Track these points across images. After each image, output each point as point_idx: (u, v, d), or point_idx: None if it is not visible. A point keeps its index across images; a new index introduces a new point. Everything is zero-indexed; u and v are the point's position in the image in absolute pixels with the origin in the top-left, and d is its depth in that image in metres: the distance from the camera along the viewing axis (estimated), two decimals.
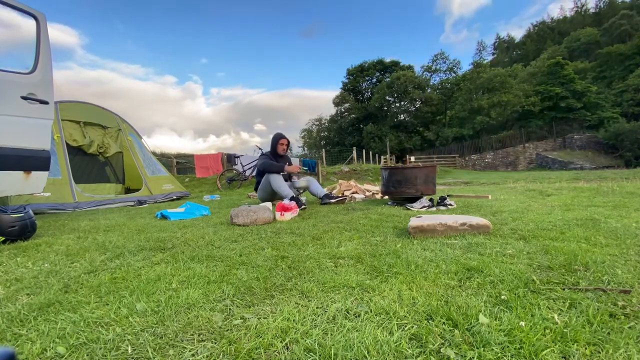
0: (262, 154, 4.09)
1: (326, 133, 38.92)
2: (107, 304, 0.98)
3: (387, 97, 33.03)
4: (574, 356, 0.66)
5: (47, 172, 2.60)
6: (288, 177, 3.80)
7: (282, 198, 3.23)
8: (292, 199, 3.12)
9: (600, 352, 0.67)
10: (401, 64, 35.66)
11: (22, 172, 2.39)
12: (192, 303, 0.96)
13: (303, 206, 3.11)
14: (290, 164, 3.95)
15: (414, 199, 3.00)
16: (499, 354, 0.66)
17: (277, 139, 3.82)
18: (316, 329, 0.78)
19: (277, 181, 3.42)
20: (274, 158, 3.79)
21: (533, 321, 0.78)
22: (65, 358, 0.71)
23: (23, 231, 2.05)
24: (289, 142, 3.90)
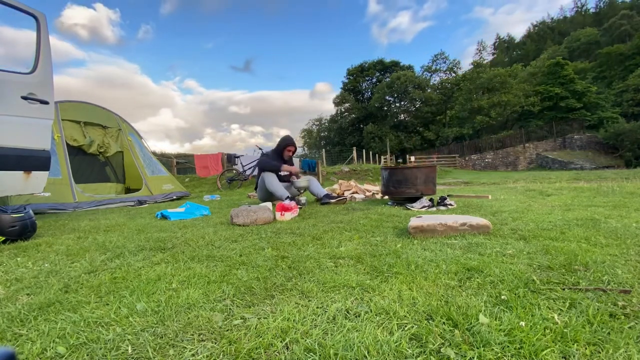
0: (263, 154, 4.07)
1: (326, 133, 38.96)
2: (107, 304, 0.98)
3: (387, 97, 33.06)
4: (574, 356, 0.66)
5: (47, 172, 2.60)
6: (288, 178, 3.79)
7: (281, 198, 3.23)
8: (287, 199, 3.12)
9: (600, 352, 0.67)
10: (401, 64, 35.70)
11: (22, 172, 2.39)
12: (192, 303, 0.96)
13: (301, 205, 3.10)
14: (292, 165, 3.91)
15: (414, 199, 3.00)
16: (499, 354, 0.66)
17: (286, 144, 3.68)
18: (316, 329, 0.78)
19: (271, 182, 3.41)
20: (276, 159, 3.76)
21: (533, 321, 0.78)
22: (66, 358, 0.71)
23: (23, 231, 2.05)
24: (296, 149, 3.78)
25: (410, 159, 21.13)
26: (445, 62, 34.21)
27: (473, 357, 0.66)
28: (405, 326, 0.78)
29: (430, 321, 0.80)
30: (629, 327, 0.75)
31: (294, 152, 3.80)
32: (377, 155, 23.98)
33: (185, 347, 0.73)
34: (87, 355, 0.72)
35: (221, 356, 0.70)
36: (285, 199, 3.15)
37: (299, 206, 3.08)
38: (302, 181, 3.85)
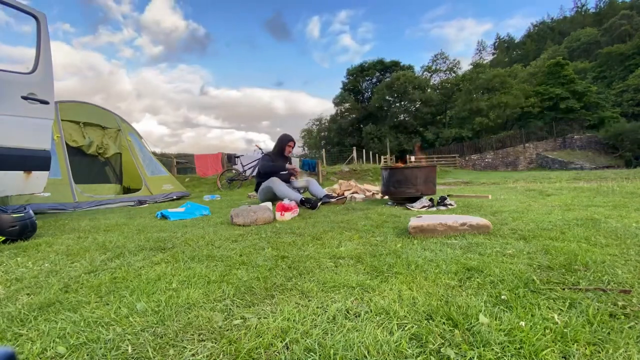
0: (263, 155, 4.10)
1: (326, 133, 38.98)
2: (108, 304, 0.98)
3: (387, 97, 33.08)
4: (574, 356, 0.66)
5: (47, 172, 2.60)
6: (288, 177, 3.80)
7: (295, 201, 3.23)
8: (301, 201, 3.12)
9: (600, 352, 0.67)
10: (401, 64, 35.72)
11: (22, 172, 2.39)
12: (192, 303, 0.96)
13: (320, 202, 3.10)
14: (290, 163, 3.96)
15: (414, 199, 3.00)
16: (499, 354, 0.66)
17: (286, 140, 3.85)
18: (316, 329, 0.78)
19: (280, 188, 3.42)
20: (277, 158, 3.80)
21: (533, 321, 0.78)
22: (66, 358, 0.71)
23: (23, 231, 2.05)
24: (294, 144, 3.98)
25: (410, 159, 21.12)
26: (445, 62, 34.25)
27: (473, 357, 0.66)
28: (405, 326, 0.78)
29: (430, 321, 0.80)
30: (629, 327, 0.75)
31: (293, 147, 3.96)
32: (377, 155, 23.99)
33: (185, 347, 0.73)
34: (87, 355, 0.72)
35: (221, 356, 0.70)
36: (300, 201, 3.14)
37: (316, 207, 3.08)
38: (302, 181, 3.87)
